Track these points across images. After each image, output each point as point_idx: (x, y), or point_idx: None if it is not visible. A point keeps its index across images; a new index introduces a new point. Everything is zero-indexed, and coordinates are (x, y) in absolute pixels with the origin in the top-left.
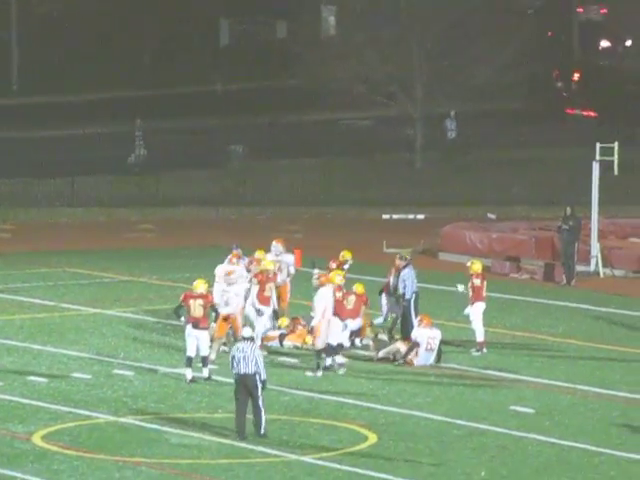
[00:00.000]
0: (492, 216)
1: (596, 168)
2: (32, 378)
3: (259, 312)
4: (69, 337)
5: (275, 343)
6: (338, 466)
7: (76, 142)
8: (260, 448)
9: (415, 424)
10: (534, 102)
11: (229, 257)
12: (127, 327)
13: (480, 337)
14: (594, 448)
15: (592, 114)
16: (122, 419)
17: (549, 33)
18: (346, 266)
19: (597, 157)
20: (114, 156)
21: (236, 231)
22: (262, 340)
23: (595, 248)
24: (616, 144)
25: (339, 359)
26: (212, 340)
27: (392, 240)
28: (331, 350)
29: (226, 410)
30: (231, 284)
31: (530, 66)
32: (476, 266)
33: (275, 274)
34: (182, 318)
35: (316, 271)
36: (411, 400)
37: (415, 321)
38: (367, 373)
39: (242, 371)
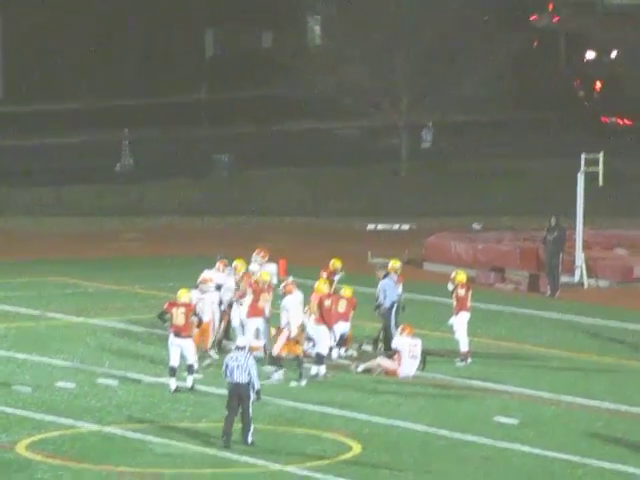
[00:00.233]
0: (477, 226)
1: (581, 179)
2: (16, 387)
3: (243, 326)
4: (53, 346)
5: (260, 353)
6: (322, 476)
7: (61, 151)
8: (244, 458)
9: (399, 434)
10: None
11: (217, 265)
12: (111, 336)
13: (464, 347)
14: (578, 459)
15: (627, 122)
16: (106, 428)
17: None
18: (337, 277)
19: (582, 168)
20: (99, 165)
21: (221, 240)
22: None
23: (580, 259)
24: (601, 155)
25: (322, 369)
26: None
27: (377, 250)
28: (320, 359)
29: (210, 419)
30: (205, 292)
31: (516, 77)
32: (461, 276)
33: (270, 285)
34: (167, 324)
35: (290, 279)
36: (395, 410)
37: (396, 331)
38: (352, 383)
39: (235, 380)
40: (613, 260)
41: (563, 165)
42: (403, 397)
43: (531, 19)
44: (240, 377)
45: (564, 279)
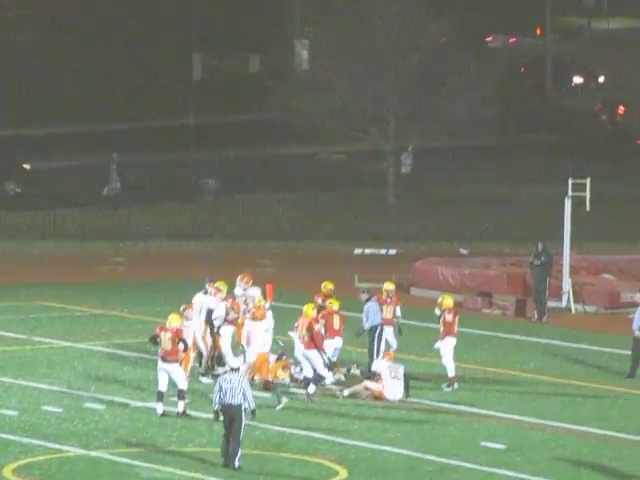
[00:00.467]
0: (464, 251)
1: (568, 204)
2: (3, 411)
3: (243, 351)
4: (40, 370)
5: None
6: None
7: (49, 174)
8: None
9: (386, 459)
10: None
11: (210, 290)
12: (98, 360)
13: (451, 372)
14: None
15: None
16: (93, 453)
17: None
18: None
19: (569, 193)
20: (87, 189)
21: (208, 265)
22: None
23: (567, 284)
24: (588, 180)
25: (311, 388)
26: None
27: (364, 275)
28: (317, 379)
29: (196, 444)
30: (188, 319)
31: (503, 101)
32: (448, 301)
33: (267, 311)
34: (159, 348)
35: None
36: (382, 435)
37: (377, 355)
38: (338, 408)
39: (227, 402)
40: (600, 285)
41: (550, 190)
42: (389, 422)
43: (487, 40)
44: (232, 399)
45: (551, 304)
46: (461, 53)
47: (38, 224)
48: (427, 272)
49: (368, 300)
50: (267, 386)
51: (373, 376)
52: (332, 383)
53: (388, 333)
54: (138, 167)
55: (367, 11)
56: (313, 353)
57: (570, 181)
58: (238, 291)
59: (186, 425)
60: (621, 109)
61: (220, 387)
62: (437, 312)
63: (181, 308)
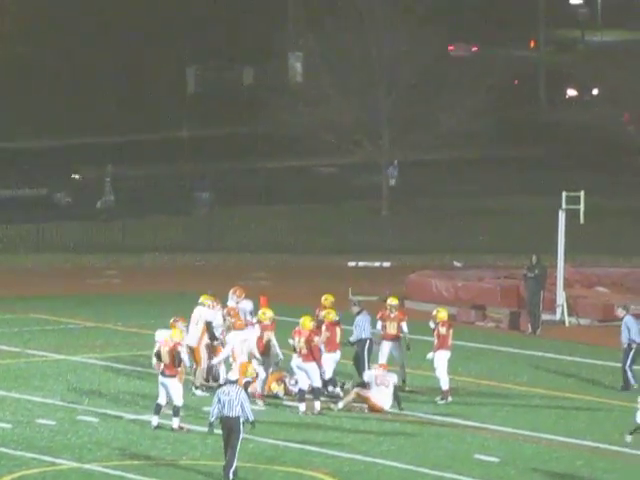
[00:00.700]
0: (458, 264)
1: (562, 217)
2: None
3: (259, 360)
4: (34, 383)
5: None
6: None
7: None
8: None
9: (380, 472)
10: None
11: (209, 304)
12: (92, 373)
13: (445, 385)
14: None
15: None
16: (86, 465)
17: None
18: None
19: (563, 206)
20: (80, 202)
21: (202, 278)
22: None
23: (561, 297)
24: (582, 193)
25: (317, 405)
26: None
27: (358, 287)
28: (317, 394)
29: (190, 457)
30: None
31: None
32: (442, 314)
33: (273, 323)
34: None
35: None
36: (376, 448)
37: (366, 367)
38: (332, 421)
39: (226, 414)
40: (594, 298)
41: (544, 203)
42: (383, 435)
43: (449, 49)
44: (230, 411)
45: (545, 317)
46: (455, 65)
47: (31, 237)
48: (421, 285)
49: (359, 313)
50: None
51: (364, 386)
52: (326, 395)
53: (393, 348)
54: (132, 180)
55: (360, 24)
56: (312, 366)
57: (564, 194)
58: (231, 304)
59: (180, 438)
60: None
61: (219, 399)
62: (431, 325)
63: (171, 320)
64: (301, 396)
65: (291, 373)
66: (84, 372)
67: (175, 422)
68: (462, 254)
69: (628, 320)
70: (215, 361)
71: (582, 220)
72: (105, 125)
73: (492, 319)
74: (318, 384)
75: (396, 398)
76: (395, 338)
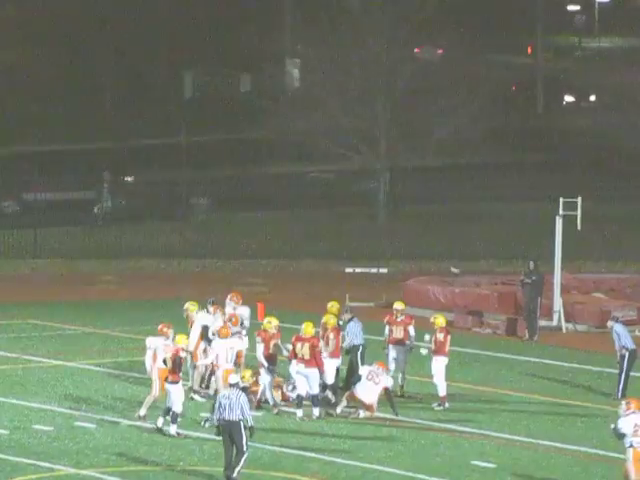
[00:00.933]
0: (455, 270)
1: (559, 223)
2: None
3: (267, 369)
4: (31, 389)
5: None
6: None
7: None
8: None
9: (377, 478)
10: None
11: (211, 309)
12: (89, 379)
13: (442, 392)
14: None
15: None
16: (83, 471)
17: (513, 87)
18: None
19: (560, 212)
20: (78, 207)
21: (199, 284)
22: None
23: (558, 303)
24: (579, 199)
25: (316, 411)
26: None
27: (355, 293)
28: (317, 401)
29: (187, 463)
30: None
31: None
32: (440, 320)
33: (279, 331)
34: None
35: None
36: (373, 454)
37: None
38: (329, 427)
39: (226, 418)
40: (591, 304)
41: (541, 208)
42: (380, 441)
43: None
44: (231, 415)
45: (542, 323)
46: (453, 72)
47: (29, 243)
48: (418, 291)
49: (350, 320)
50: (258, 405)
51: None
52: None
53: (399, 352)
54: (129, 185)
55: (358, 30)
56: (314, 372)
57: (561, 200)
58: (228, 310)
59: (177, 444)
60: None
61: (220, 403)
62: (426, 337)
63: (159, 327)
64: (299, 402)
65: (287, 379)
66: (81, 378)
67: (172, 428)
68: (459, 260)
69: (617, 327)
70: (199, 363)
71: (579, 226)
72: (101, 130)
73: (489, 325)
74: (316, 391)
75: (391, 404)
76: (400, 342)
